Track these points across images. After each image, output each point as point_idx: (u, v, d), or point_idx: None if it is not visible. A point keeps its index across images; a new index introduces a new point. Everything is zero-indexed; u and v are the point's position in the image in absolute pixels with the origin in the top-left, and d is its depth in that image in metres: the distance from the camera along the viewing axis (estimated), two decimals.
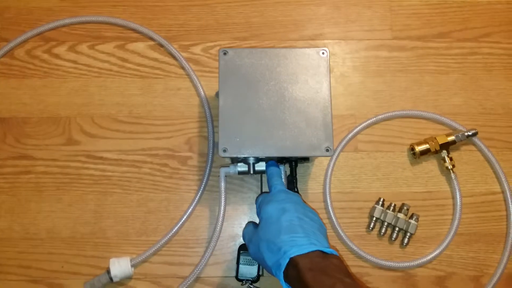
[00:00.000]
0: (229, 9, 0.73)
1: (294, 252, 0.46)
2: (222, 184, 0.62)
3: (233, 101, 0.59)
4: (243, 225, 0.66)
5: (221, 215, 0.62)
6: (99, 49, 0.71)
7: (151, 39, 0.71)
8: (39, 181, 0.67)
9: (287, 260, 0.46)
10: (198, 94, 0.69)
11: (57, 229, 0.65)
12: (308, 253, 0.46)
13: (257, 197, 0.58)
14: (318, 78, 0.59)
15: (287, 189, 0.57)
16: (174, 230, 0.65)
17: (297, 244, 0.47)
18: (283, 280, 0.47)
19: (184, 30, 0.72)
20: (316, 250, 0.46)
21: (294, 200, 0.53)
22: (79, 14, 0.71)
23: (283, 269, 0.46)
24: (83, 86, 0.70)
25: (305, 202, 0.55)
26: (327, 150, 0.57)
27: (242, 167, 0.62)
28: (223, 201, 0.62)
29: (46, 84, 0.69)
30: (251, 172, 0.61)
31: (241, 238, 0.65)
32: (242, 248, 0.64)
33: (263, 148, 0.58)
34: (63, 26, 0.71)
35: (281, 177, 0.59)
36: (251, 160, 0.60)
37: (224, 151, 0.57)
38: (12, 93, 0.69)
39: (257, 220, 0.56)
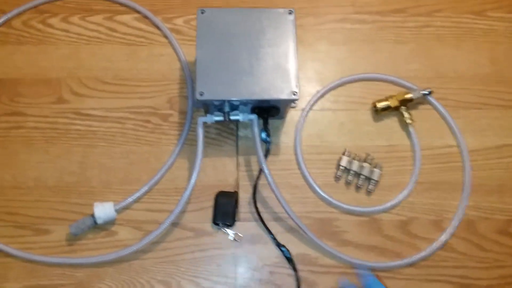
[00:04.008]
0: None
1: None
2: (200, 131, 0.67)
3: (209, 52, 0.65)
4: (220, 176, 0.71)
5: (198, 160, 0.66)
6: (89, 20, 0.78)
7: (137, 11, 0.78)
8: (29, 135, 0.71)
9: None
10: (180, 59, 0.76)
11: (44, 178, 0.69)
12: None
13: None
14: (285, 33, 0.67)
15: None
16: (155, 179, 0.70)
17: None
18: None
19: (167, 4, 0.79)
20: None
21: None
22: None
23: None
24: (73, 53, 0.76)
25: None
26: (294, 94, 0.64)
27: (218, 116, 0.68)
28: (200, 147, 0.67)
29: (40, 50, 0.76)
30: (227, 119, 0.66)
31: (218, 188, 0.70)
32: (219, 195, 0.69)
33: (236, 92, 0.64)
34: (57, 0, 0.78)
35: None
36: (226, 108, 0.66)
37: (201, 94, 0.63)
38: (8, 58, 0.75)
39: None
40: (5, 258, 0.66)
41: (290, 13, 0.68)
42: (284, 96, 0.64)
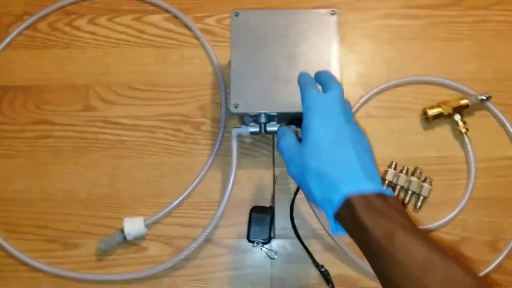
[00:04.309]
0: None
1: (350, 190, 0.42)
2: (234, 144, 0.63)
3: (244, 60, 0.60)
4: (255, 188, 0.67)
5: (232, 175, 0.62)
6: (117, 21, 0.73)
7: (167, 11, 0.73)
8: (57, 145, 0.69)
9: (343, 198, 0.42)
10: (212, 63, 0.71)
11: (74, 191, 0.67)
12: (365, 193, 0.42)
13: (304, 93, 0.50)
14: (327, 37, 0.60)
15: (340, 98, 0.48)
16: (186, 193, 0.66)
17: (354, 180, 0.43)
18: (332, 218, 0.43)
19: (198, 2, 0.74)
20: (374, 190, 0.42)
21: (348, 119, 0.47)
22: None
23: (336, 207, 0.42)
24: (101, 56, 0.72)
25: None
26: None
27: (253, 127, 0.62)
28: (235, 161, 0.62)
29: (66, 54, 0.72)
30: (263, 131, 0.61)
31: (252, 202, 0.66)
32: (254, 210, 0.65)
33: (273, 104, 0.59)
34: (84, 0, 0.74)
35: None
36: (262, 119, 0.61)
37: (236, 107, 0.58)
38: (33, 63, 0.72)
39: None
40: (34, 273, 0.64)
41: (332, 14, 0.61)
42: None
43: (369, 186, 0.42)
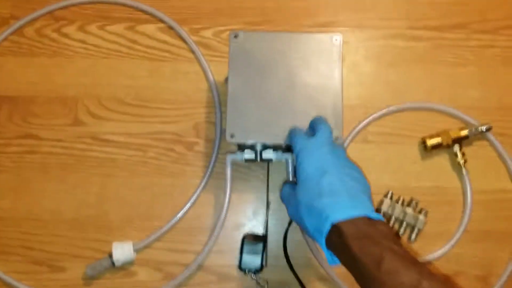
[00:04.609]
0: None
1: (337, 217, 0.43)
2: (228, 171, 0.61)
3: (242, 85, 0.57)
4: (248, 214, 0.65)
5: (226, 202, 0.61)
6: (109, 29, 0.70)
7: (161, 21, 0.70)
8: (44, 161, 0.66)
9: (329, 226, 0.43)
10: (207, 79, 0.68)
11: (61, 211, 0.65)
12: (352, 218, 0.43)
13: (294, 139, 0.52)
14: (329, 65, 0.58)
15: (327, 139, 0.50)
16: (178, 217, 0.64)
17: (340, 207, 0.44)
18: (325, 247, 0.44)
19: (195, 13, 0.70)
20: (361, 216, 0.43)
21: (335, 155, 0.49)
22: None
23: (325, 235, 0.44)
24: (91, 67, 0.69)
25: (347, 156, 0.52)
26: (336, 139, 0.56)
27: (249, 154, 0.60)
28: (228, 188, 0.61)
29: (54, 63, 0.68)
30: (258, 159, 0.59)
31: (245, 228, 0.65)
32: (246, 238, 0.63)
33: (271, 134, 0.57)
34: (73, 5, 0.70)
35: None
36: (258, 147, 0.59)
37: (232, 136, 0.56)
38: (20, 72, 0.68)
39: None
40: None
41: (336, 40, 0.58)
42: None
43: (356, 211, 0.43)
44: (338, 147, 0.52)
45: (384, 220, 0.44)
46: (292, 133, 0.54)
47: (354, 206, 0.44)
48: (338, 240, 0.43)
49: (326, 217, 0.44)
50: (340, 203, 0.45)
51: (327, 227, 0.43)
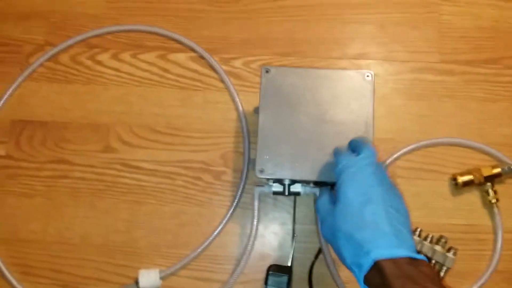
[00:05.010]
0: (271, 24, 0.72)
1: (379, 254, 0.42)
2: (256, 204, 0.61)
3: (272, 121, 0.58)
4: (273, 244, 0.65)
5: (253, 234, 0.62)
6: (141, 58, 0.71)
7: (193, 50, 0.71)
8: (75, 186, 0.67)
9: (371, 263, 0.42)
10: (236, 109, 0.69)
11: (90, 236, 0.66)
12: (396, 257, 0.41)
13: (337, 157, 0.51)
14: (361, 102, 0.58)
15: (372, 159, 0.49)
16: (204, 245, 0.65)
17: (384, 244, 0.42)
18: (362, 283, 0.43)
19: (225, 43, 0.71)
20: (405, 256, 0.41)
21: (379, 179, 0.47)
22: (124, 22, 0.72)
23: (365, 271, 0.42)
24: (124, 95, 0.70)
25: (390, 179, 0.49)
26: None
27: (277, 187, 0.61)
28: (255, 220, 0.62)
29: (88, 90, 0.70)
30: (286, 193, 0.59)
31: (270, 258, 0.65)
32: (271, 269, 0.63)
33: (300, 171, 0.57)
34: (108, 33, 0.72)
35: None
36: (287, 181, 0.59)
37: (261, 171, 0.56)
38: (55, 98, 0.70)
39: None
40: None
41: (368, 77, 0.59)
42: None
43: (400, 251, 0.42)
44: (381, 169, 0.49)
45: (427, 260, 0.43)
46: (336, 151, 0.53)
47: (399, 245, 0.42)
48: (378, 278, 0.41)
49: (368, 252, 0.42)
50: (384, 240, 0.43)
51: (368, 264, 0.42)
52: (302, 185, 0.60)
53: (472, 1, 0.71)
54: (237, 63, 0.71)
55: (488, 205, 0.65)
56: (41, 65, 0.71)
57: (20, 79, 0.70)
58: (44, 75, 0.71)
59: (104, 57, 0.71)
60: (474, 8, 0.71)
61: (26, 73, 0.70)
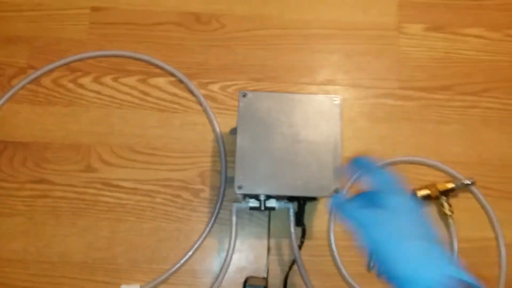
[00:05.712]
0: (247, 51, 0.77)
1: (449, 272, 0.43)
2: (234, 219, 0.65)
3: (249, 141, 0.62)
4: (250, 258, 0.69)
5: (231, 248, 0.65)
6: (122, 81, 0.74)
7: (172, 75, 0.75)
8: (56, 205, 0.69)
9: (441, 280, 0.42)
10: (214, 130, 0.73)
11: (70, 253, 0.67)
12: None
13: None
14: (330, 124, 0.63)
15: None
16: (183, 260, 0.68)
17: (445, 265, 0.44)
18: None
19: (203, 68, 0.76)
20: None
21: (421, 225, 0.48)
22: (106, 47, 0.75)
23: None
24: (104, 116, 0.73)
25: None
26: (336, 191, 0.61)
27: (253, 203, 0.65)
28: (233, 235, 0.65)
29: (69, 112, 0.73)
30: (262, 208, 0.64)
31: (247, 271, 0.68)
32: (248, 281, 0.67)
33: (276, 186, 0.61)
34: (89, 58, 0.75)
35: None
36: (263, 197, 0.64)
37: (240, 188, 0.61)
38: (36, 119, 0.72)
39: None
40: None
41: (335, 101, 0.64)
42: (325, 193, 0.61)
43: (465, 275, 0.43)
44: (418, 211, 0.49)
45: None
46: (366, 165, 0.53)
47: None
48: None
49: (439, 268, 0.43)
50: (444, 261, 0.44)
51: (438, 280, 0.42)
52: (276, 201, 0.65)
53: (426, 34, 0.80)
54: (215, 87, 0.75)
55: (444, 217, 0.71)
56: (23, 87, 0.73)
57: (1, 101, 0.72)
58: (26, 97, 0.73)
59: (85, 80, 0.74)
60: (428, 40, 0.79)
61: (7, 95, 0.72)
